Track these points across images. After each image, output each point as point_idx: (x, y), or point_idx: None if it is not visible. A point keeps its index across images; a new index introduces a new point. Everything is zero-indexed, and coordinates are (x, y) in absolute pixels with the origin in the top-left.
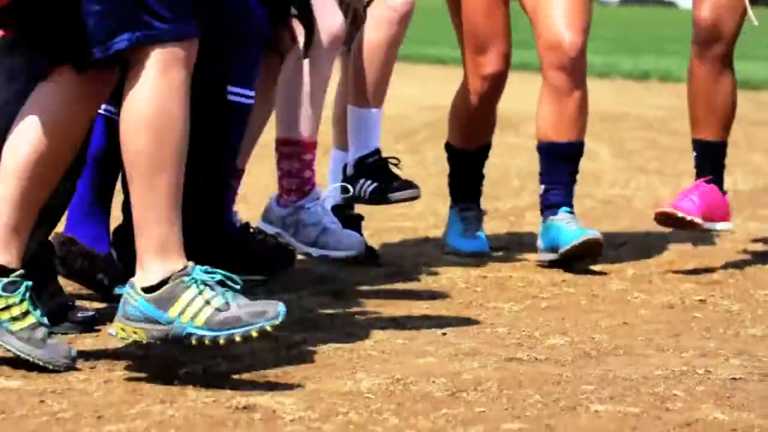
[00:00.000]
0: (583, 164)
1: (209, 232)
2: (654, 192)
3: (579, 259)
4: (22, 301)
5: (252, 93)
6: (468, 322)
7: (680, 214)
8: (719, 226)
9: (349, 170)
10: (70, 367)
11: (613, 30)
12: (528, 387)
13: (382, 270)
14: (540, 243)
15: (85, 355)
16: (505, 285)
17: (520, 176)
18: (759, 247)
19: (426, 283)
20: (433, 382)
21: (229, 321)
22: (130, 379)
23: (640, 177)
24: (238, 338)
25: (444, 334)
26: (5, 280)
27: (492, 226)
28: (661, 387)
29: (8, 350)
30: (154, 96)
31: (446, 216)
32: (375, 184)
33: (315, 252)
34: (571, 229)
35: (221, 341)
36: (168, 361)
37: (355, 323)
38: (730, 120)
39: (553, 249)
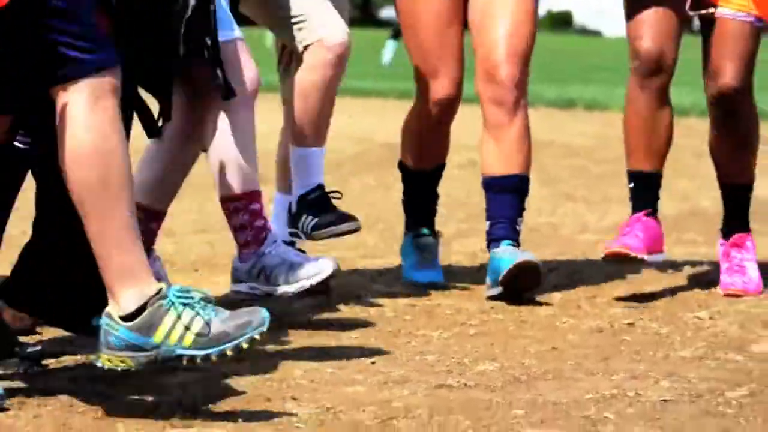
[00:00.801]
0: None
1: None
2: (581, 219)
3: (519, 285)
4: None
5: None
6: (397, 349)
7: (632, 254)
8: (659, 257)
9: (293, 208)
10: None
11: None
12: (459, 413)
13: (311, 300)
14: (487, 279)
15: (14, 391)
16: (433, 312)
17: (447, 204)
18: (686, 270)
19: (354, 311)
20: (363, 410)
21: (218, 337)
22: (59, 415)
23: (566, 204)
24: (229, 352)
25: (373, 362)
26: None
27: None
28: (591, 410)
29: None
30: (93, 127)
31: (373, 246)
32: (315, 219)
33: (294, 288)
34: (508, 256)
35: (213, 358)
36: (97, 394)
37: (284, 353)
38: (667, 150)
39: (497, 282)
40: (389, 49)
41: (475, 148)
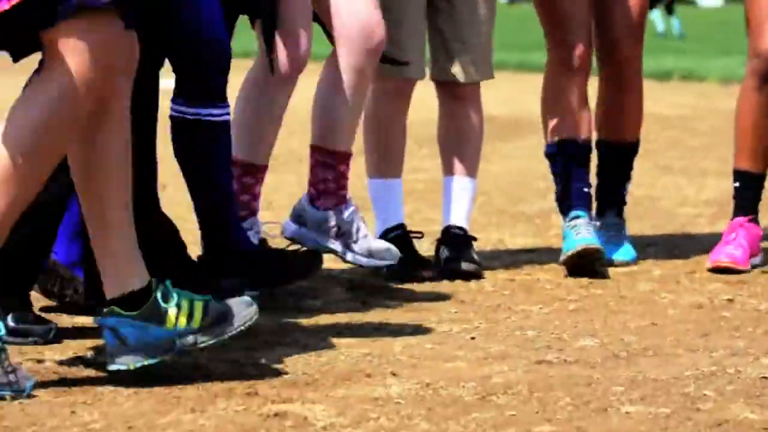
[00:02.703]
0: None
1: (221, 252)
2: (680, 191)
3: (581, 268)
4: None
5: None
6: (497, 325)
7: (739, 268)
8: (757, 260)
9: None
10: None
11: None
12: (558, 389)
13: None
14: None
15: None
16: (532, 288)
17: (546, 178)
18: None
19: (453, 286)
20: (463, 386)
21: (221, 320)
22: (160, 389)
23: (665, 177)
24: (227, 336)
25: (473, 338)
26: None
27: (518, 229)
28: (691, 387)
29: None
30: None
31: (471, 221)
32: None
33: (366, 261)
34: (572, 238)
35: (226, 337)
36: (197, 370)
37: (384, 329)
38: None
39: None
40: None
41: None
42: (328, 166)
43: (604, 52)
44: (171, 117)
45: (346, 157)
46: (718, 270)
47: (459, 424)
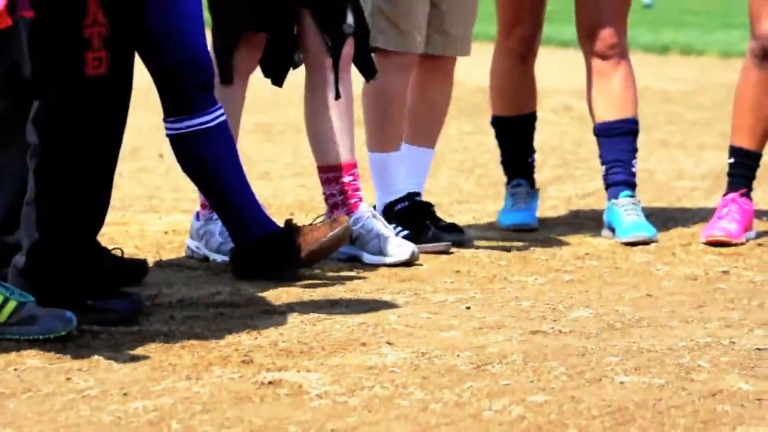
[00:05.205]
0: None
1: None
2: (677, 165)
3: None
4: None
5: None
6: (492, 295)
7: (734, 241)
8: (750, 234)
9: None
10: (71, 330)
11: (634, 3)
12: (553, 359)
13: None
14: (605, 221)
15: (110, 333)
16: (528, 258)
17: (542, 151)
18: None
19: (449, 257)
20: (458, 355)
21: (27, 323)
22: (155, 356)
23: (662, 150)
24: (23, 338)
25: (468, 308)
26: None
27: None
28: (685, 358)
29: (10, 339)
30: None
31: (468, 192)
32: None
33: (376, 260)
34: (626, 221)
35: (22, 338)
36: (192, 337)
37: (379, 299)
38: None
39: (611, 229)
40: None
41: (567, 92)
42: (330, 181)
43: (586, 37)
44: (167, 136)
45: (342, 168)
46: (712, 244)
47: (454, 392)
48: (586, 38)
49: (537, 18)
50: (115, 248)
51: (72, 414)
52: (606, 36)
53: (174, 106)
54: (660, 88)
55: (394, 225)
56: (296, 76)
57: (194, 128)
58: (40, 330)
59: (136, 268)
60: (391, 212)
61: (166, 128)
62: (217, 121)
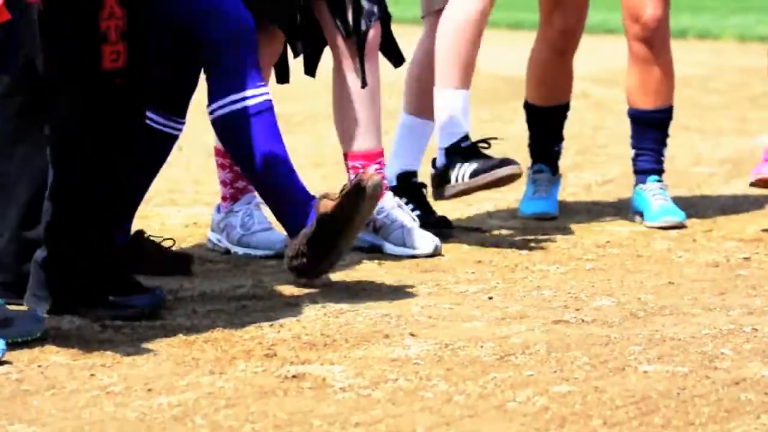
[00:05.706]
0: (623, 125)
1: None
2: (695, 150)
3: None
4: None
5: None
6: (514, 285)
7: None
8: None
9: (439, 161)
10: (46, 330)
11: None
12: (576, 349)
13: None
14: (632, 207)
15: (133, 328)
16: (549, 247)
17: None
18: None
19: (471, 247)
20: (481, 346)
21: (1, 325)
22: (178, 351)
23: (680, 135)
24: (10, 340)
25: (490, 298)
26: None
27: None
28: (708, 346)
29: None
30: None
31: None
32: (474, 165)
33: (399, 251)
34: (655, 206)
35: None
36: (215, 331)
37: (401, 290)
38: None
39: (639, 214)
40: None
41: (587, 78)
42: (356, 169)
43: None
44: (216, 119)
45: (369, 156)
46: (761, 184)
47: (477, 384)
48: (633, 21)
49: (579, 7)
50: (166, 239)
51: (96, 410)
52: (649, 21)
53: (227, 82)
54: (677, 73)
55: (459, 162)
56: (320, 66)
57: (253, 103)
58: (18, 332)
59: (184, 260)
60: (458, 149)
61: (215, 109)
62: (262, 99)
